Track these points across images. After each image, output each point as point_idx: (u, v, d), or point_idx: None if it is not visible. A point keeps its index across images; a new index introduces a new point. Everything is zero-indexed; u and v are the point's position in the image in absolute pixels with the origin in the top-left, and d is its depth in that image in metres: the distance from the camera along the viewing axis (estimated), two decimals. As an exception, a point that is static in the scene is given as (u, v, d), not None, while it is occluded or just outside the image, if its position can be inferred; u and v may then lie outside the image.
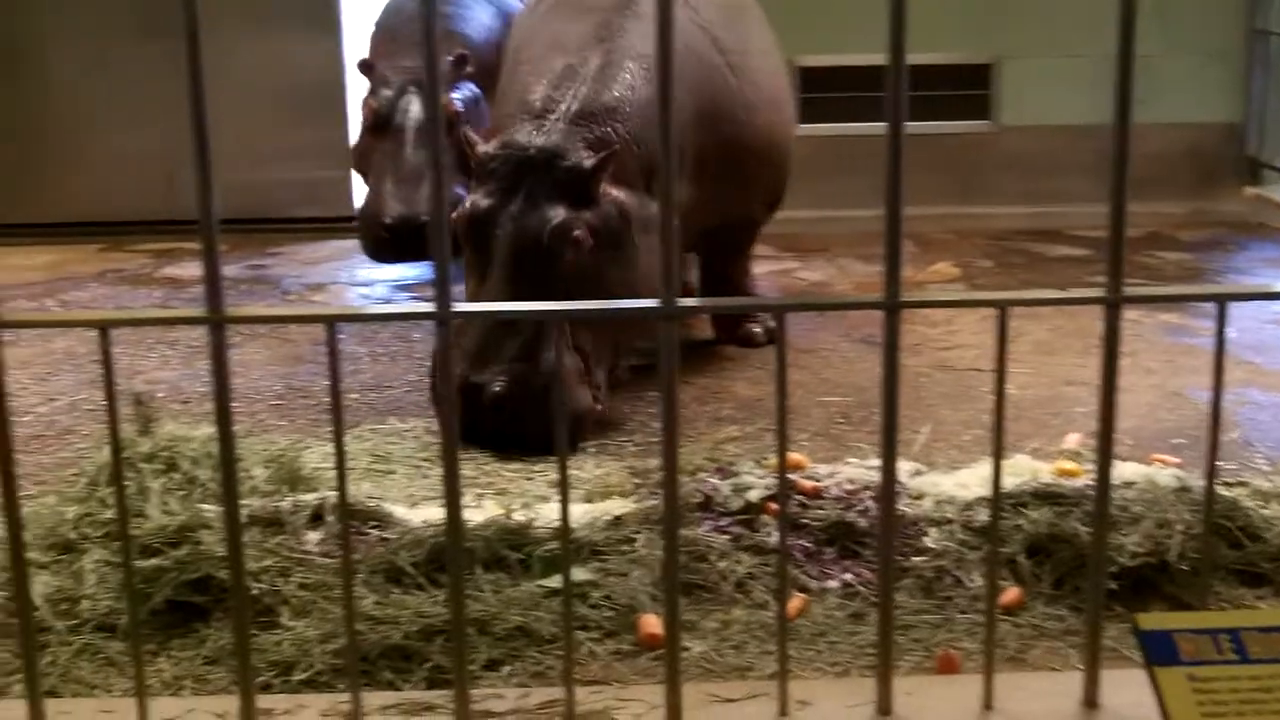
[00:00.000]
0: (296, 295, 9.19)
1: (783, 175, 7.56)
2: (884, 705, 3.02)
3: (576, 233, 6.10)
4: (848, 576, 4.63)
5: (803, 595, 4.51)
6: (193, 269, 9.58)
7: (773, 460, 5.36)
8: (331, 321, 2.88)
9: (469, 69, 8.93)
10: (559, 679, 3.91)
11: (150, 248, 10.28)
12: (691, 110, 6.60)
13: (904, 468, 5.22)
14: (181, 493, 5.09)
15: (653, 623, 4.29)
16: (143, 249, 10.27)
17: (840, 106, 10.56)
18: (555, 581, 4.46)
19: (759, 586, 4.57)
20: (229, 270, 9.20)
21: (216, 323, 2.69)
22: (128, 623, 4.24)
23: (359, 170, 9.22)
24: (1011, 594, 4.46)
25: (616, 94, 6.49)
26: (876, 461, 5.17)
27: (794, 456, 5.30)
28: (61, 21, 10.78)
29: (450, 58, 8.81)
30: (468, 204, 6.32)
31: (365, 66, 9.12)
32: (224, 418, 2.75)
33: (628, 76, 6.56)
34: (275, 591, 4.41)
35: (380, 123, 8.86)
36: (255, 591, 4.36)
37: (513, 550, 4.67)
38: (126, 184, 10.71)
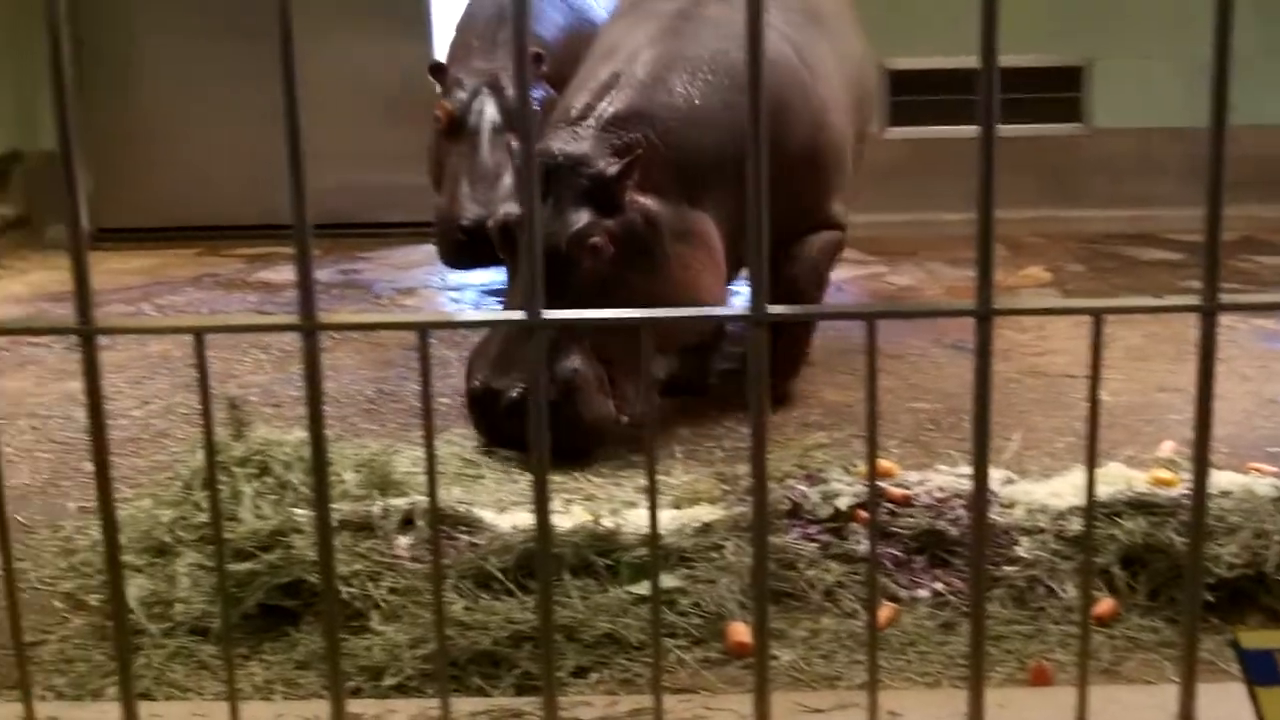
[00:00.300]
0: (388, 300, 9.25)
1: (845, 180, 7.23)
2: (975, 716, 2.99)
3: (594, 239, 6.04)
4: (938, 586, 4.60)
5: (893, 604, 4.49)
6: (286, 273, 9.66)
7: (861, 467, 5.34)
8: (423, 328, 2.88)
9: (544, 69, 8.73)
10: (647, 686, 3.91)
11: (245, 252, 10.38)
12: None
13: (995, 476, 5.18)
14: (274, 497, 5.13)
15: (741, 630, 4.28)
16: (238, 254, 10.38)
17: (929, 109, 10.53)
18: (643, 588, 4.46)
19: (847, 595, 4.55)
20: (321, 274, 9.27)
21: (309, 329, 2.70)
22: (220, 626, 4.27)
23: (432, 175, 9.04)
24: (1105, 605, 4.41)
25: (653, 99, 6.39)
26: (967, 469, 5.16)
27: (883, 464, 5.26)
28: (158, 27, 10.90)
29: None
30: (501, 212, 6.41)
31: (436, 70, 8.98)
32: (317, 423, 2.75)
33: (670, 82, 6.46)
34: (366, 596, 4.44)
35: (455, 126, 8.69)
36: (346, 596, 4.38)
37: (601, 556, 4.68)
38: (222, 189, 10.81)
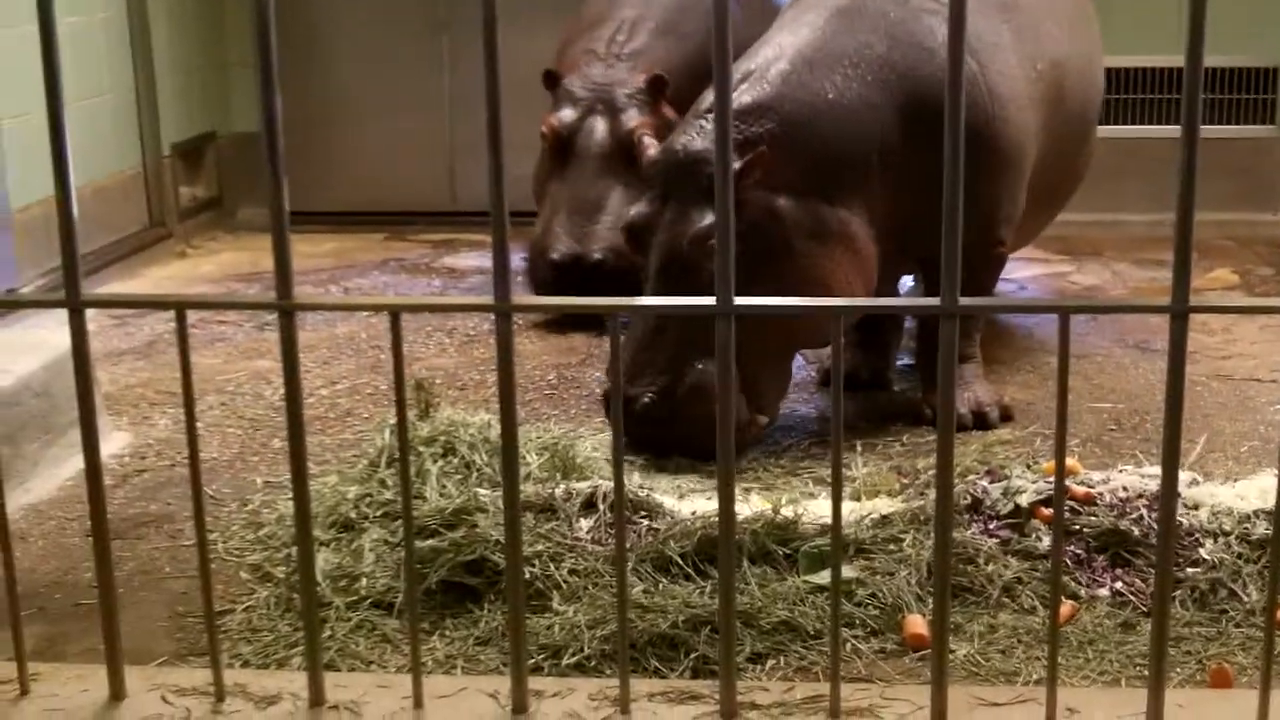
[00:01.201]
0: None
1: (1021, 182, 6.75)
2: (1155, 716, 2.97)
3: (715, 240, 5.75)
4: (1119, 585, 4.57)
5: (1072, 602, 4.46)
6: (470, 259, 9.76)
7: (1044, 464, 5.31)
8: (614, 311, 2.93)
9: (667, 92, 8.05)
10: (823, 675, 3.93)
11: (430, 238, 10.48)
12: (894, 109, 6.17)
13: (1181, 477, 5.11)
14: (458, 476, 5.22)
15: (918, 623, 4.28)
16: (423, 239, 10.49)
17: (1115, 108, 10.37)
18: (821, 578, 4.48)
19: (1026, 591, 4.54)
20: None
21: (504, 311, 2.76)
22: (405, 601, 4.36)
23: (536, 194, 8.40)
24: (1289, 609, 4.36)
25: (782, 93, 6.06)
26: (1151, 469, 5.11)
27: (1067, 461, 5.22)
28: (348, 16, 11.06)
29: (644, 78, 8.08)
30: (630, 212, 6.21)
31: (550, 79, 8.25)
32: (508, 402, 2.81)
33: (805, 76, 6.13)
34: (547, 576, 4.50)
35: (561, 146, 8.09)
36: (528, 576, 4.44)
37: (779, 545, 4.70)
38: (408, 175, 10.94)
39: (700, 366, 5.74)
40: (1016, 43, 6.75)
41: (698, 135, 5.95)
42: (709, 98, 6.02)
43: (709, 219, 5.73)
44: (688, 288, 5.52)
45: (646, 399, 5.79)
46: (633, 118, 7.91)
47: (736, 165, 5.74)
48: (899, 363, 7.16)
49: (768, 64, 6.16)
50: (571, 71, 8.23)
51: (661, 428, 5.79)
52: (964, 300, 2.69)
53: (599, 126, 8.00)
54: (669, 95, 7.99)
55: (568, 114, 8.06)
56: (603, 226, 7.92)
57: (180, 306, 3.01)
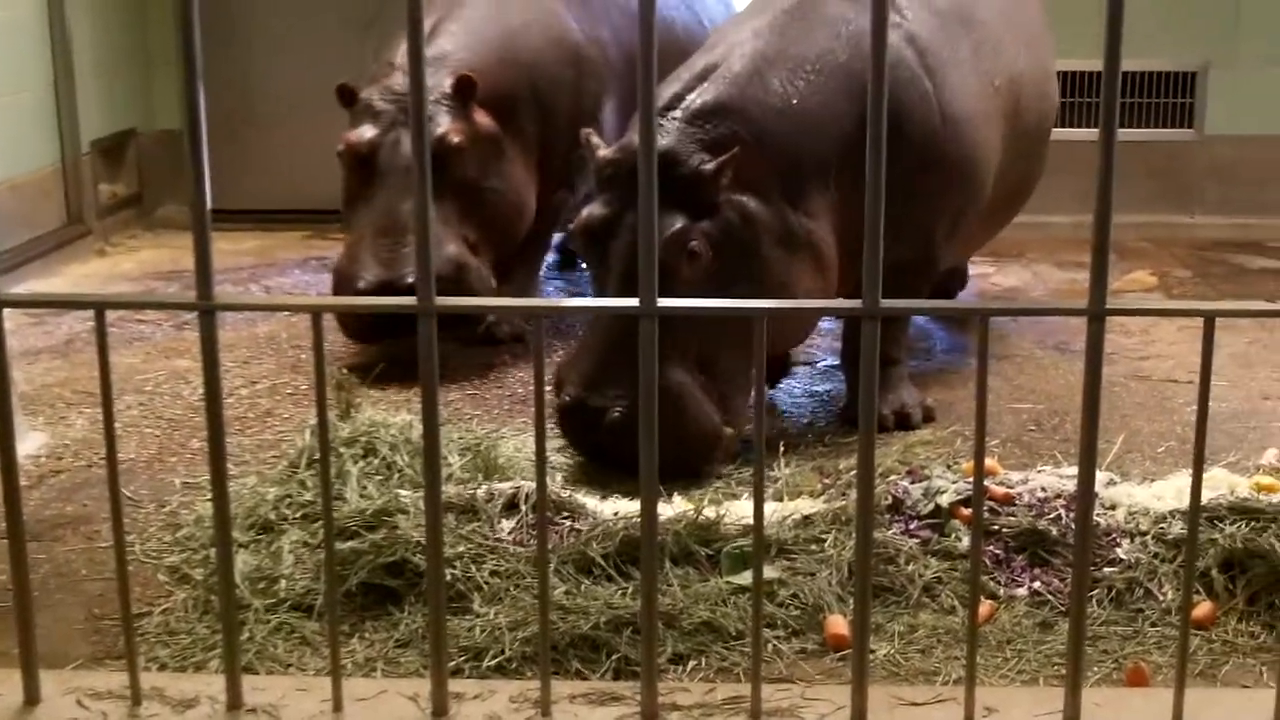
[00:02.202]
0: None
1: (972, 201, 6.67)
2: (1072, 715, 3.00)
3: (692, 244, 5.63)
4: (1037, 585, 4.61)
5: (991, 602, 4.49)
6: (392, 258, 9.70)
7: (964, 465, 5.34)
8: (538, 314, 2.93)
9: (475, 95, 7.45)
10: (744, 676, 3.94)
11: (353, 236, 10.42)
12: (854, 118, 5.90)
13: (1098, 477, 5.16)
14: (379, 477, 5.20)
15: (839, 623, 4.30)
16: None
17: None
18: (743, 578, 4.49)
19: (946, 591, 4.57)
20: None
21: (427, 313, 2.75)
22: (324, 603, 4.33)
23: (344, 219, 7.80)
24: (1204, 609, 4.40)
25: (745, 94, 5.92)
26: (1069, 470, 5.15)
27: (987, 462, 5.25)
28: (271, 12, 10.99)
29: (449, 81, 7.40)
30: (584, 213, 5.90)
31: (345, 95, 7.64)
32: (430, 403, 2.80)
33: (768, 78, 6.00)
34: (468, 578, 4.48)
35: (362, 165, 7.48)
36: (449, 577, 4.42)
37: (701, 546, 4.71)
38: (332, 173, 10.85)
39: (671, 377, 5.48)
40: (975, 59, 6.68)
41: (660, 134, 5.63)
42: (665, 95, 5.88)
43: (681, 221, 5.62)
44: (661, 293, 5.39)
45: (616, 413, 5.57)
46: (441, 124, 7.31)
47: (710, 165, 5.66)
48: (821, 363, 7.19)
49: (728, 63, 6.03)
50: (370, 84, 7.71)
51: (633, 441, 5.49)
52: (885, 302, 2.70)
53: (403, 139, 7.35)
54: (477, 101, 7.50)
55: (367, 130, 7.49)
56: (414, 248, 7.49)
57: (100, 306, 2.99)
